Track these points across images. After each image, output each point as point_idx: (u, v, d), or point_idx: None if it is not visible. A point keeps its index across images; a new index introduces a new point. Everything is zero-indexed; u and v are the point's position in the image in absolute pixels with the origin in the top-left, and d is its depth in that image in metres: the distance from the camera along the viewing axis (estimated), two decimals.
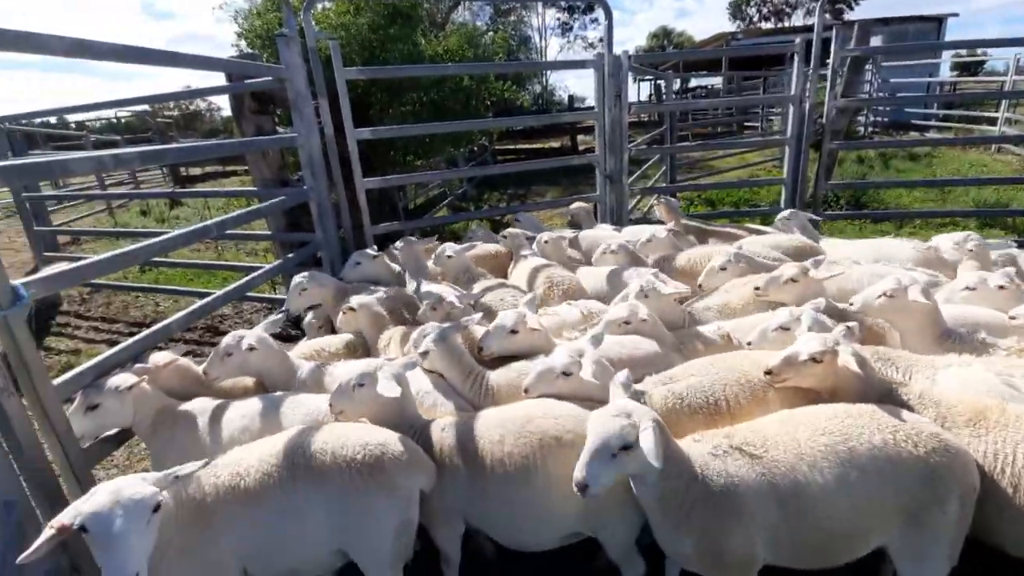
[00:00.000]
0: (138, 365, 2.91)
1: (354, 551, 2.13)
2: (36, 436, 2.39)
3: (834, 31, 6.24)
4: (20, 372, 2.35)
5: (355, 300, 3.46)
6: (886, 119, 18.14)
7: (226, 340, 2.90)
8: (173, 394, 2.92)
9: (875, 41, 15.76)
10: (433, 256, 4.45)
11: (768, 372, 2.36)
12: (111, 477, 3.64)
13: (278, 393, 2.84)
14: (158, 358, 2.97)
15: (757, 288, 3.34)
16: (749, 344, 2.83)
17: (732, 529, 1.91)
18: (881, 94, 16.81)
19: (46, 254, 7.20)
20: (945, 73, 20.65)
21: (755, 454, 1.98)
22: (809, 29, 6.86)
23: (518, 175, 14.80)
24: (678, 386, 2.46)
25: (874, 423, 2.02)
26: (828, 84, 6.50)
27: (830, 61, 6.37)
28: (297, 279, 3.86)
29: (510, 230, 5.11)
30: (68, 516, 1.72)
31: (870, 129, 17.27)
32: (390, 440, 2.18)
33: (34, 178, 3.99)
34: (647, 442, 1.78)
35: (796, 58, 6.43)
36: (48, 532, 1.73)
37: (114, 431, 2.87)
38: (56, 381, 2.52)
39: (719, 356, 2.68)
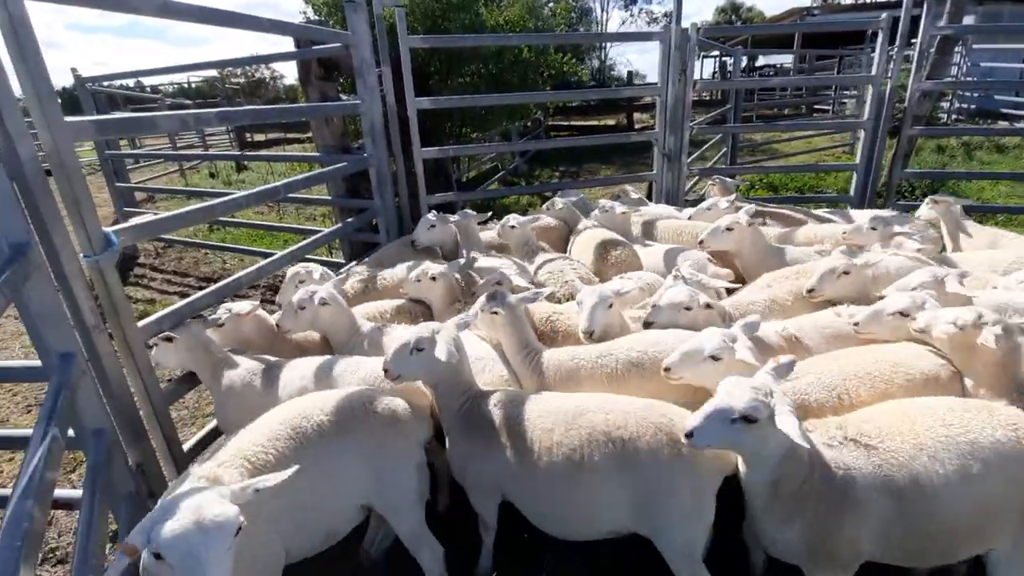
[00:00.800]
0: (222, 308, 3.07)
1: (383, 496, 2.26)
2: (122, 372, 2.60)
3: (924, 7, 5.75)
4: (109, 313, 2.56)
5: (435, 269, 3.41)
6: (973, 106, 16.63)
7: (299, 294, 2.98)
8: (250, 344, 3.08)
9: (967, 21, 14.39)
10: (498, 226, 4.53)
11: (855, 324, 2.48)
12: (182, 417, 3.95)
13: (337, 356, 2.94)
14: (239, 307, 3.12)
15: (811, 290, 3.07)
16: (856, 325, 2.64)
17: (845, 521, 1.86)
18: (969, 78, 15.43)
19: (126, 209, 7.71)
20: None
21: (871, 444, 1.91)
22: (893, 4, 6.34)
23: (571, 152, 14.60)
24: (800, 382, 2.34)
25: (994, 419, 1.91)
26: (914, 65, 6.03)
27: (917, 40, 5.89)
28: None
29: (563, 201, 5.07)
30: (140, 538, 1.50)
31: (954, 116, 15.89)
32: (395, 398, 2.39)
33: (127, 132, 4.26)
34: (787, 424, 1.70)
35: (881, 35, 5.98)
36: (120, 561, 1.49)
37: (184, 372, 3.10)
38: (139, 324, 2.72)
39: (843, 351, 2.56)
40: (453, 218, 4.51)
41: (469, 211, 4.71)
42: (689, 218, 4.85)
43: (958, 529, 1.86)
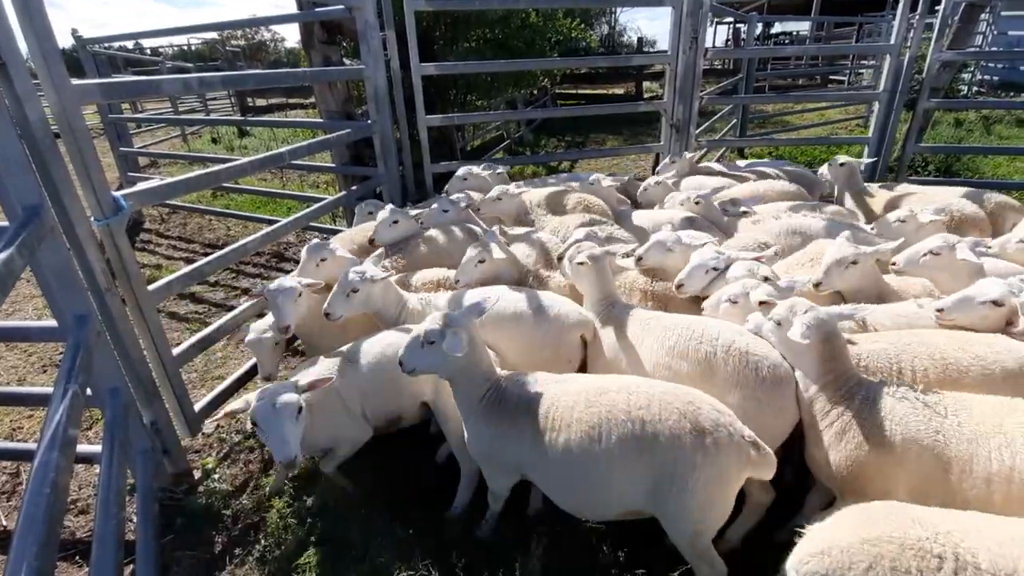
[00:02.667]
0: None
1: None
2: (135, 334, 2.67)
3: None
4: (120, 276, 2.61)
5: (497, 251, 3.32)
6: (996, 78, 16.14)
7: (349, 277, 2.85)
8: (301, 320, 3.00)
9: None
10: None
11: (939, 310, 2.41)
12: (191, 380, 4.05)
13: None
14: (308, 281, 3.02)
15: (818, 284, 2.84)
16: (941, 312, 2.46)
17: (875, 461, 1.97)
18: (994, 48, 14.94)
19: (130, 174, 7.70)
20: None
21: (937, 411, 1.93)
22: None
23: (578, 122, 14.36)
24: (856, 348, 2.28)
25: None
26: (935, 33, 5.84)
27: (940, 7, 5.70)
28: (386, 210, 3.86)
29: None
30: (240, 405, 2.36)
31: (975, 89, 15.43)
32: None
33: (132, 96, 4.22)
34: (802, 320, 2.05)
35: (902, 1, 5.78)
36: (226, 409, 2.43)
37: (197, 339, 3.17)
38: (150, 287, 2.78)
39: (914, 330, 2.44)
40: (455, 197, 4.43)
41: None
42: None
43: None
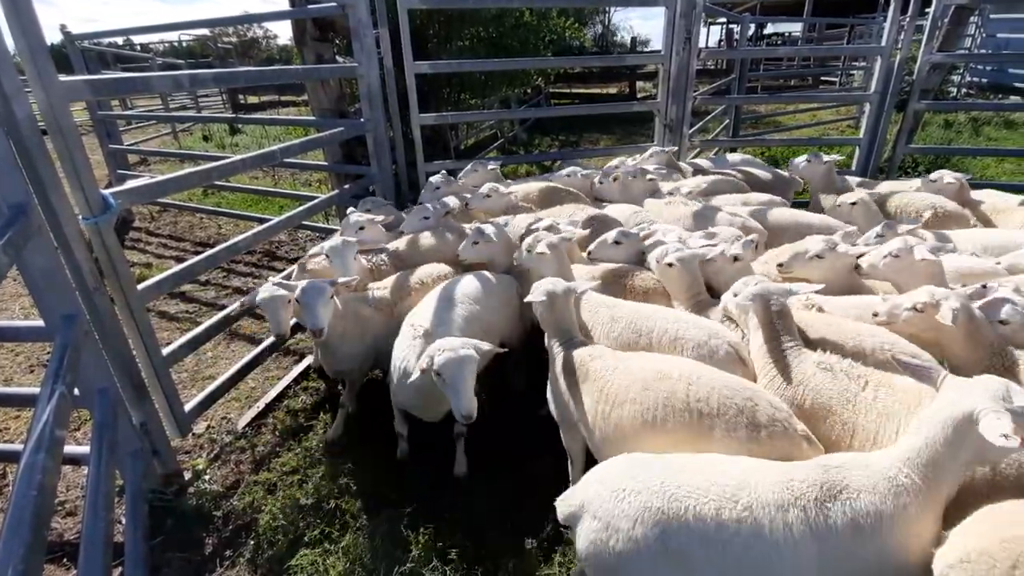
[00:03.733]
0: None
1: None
2: (124, 334, 2.64)
3: None
4: (109, 275, 2.58)
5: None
6: (985, 80, 16.29)
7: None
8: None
9: None
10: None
11: (875, 314, 2.42)
12: (182, 380, 4.02)
13: None
14: (344, 279, 3.09)
15: (780, 265, 3.08)
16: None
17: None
18: (984, 51, 15.08)
19: (119, 172, 7.62)
20: None
21: (856, 383, 2.06)
22: None
23: (571, 121, 14.37)
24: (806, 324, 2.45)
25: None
26: (925, 35, 5.90)
27: (930, 10, 5.76)
28: (352, 218, 3.94)
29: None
30: (426, 361, 2.37)
31: (963, 91, 15.58)
32: None
33: (122, 93, 4.16)
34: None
35: (893, 4, 5.83)
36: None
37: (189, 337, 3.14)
38: (139, 287, 2.75)
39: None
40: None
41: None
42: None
43: None
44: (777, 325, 2.31)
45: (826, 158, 4.85)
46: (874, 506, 1.59)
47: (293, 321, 3.27)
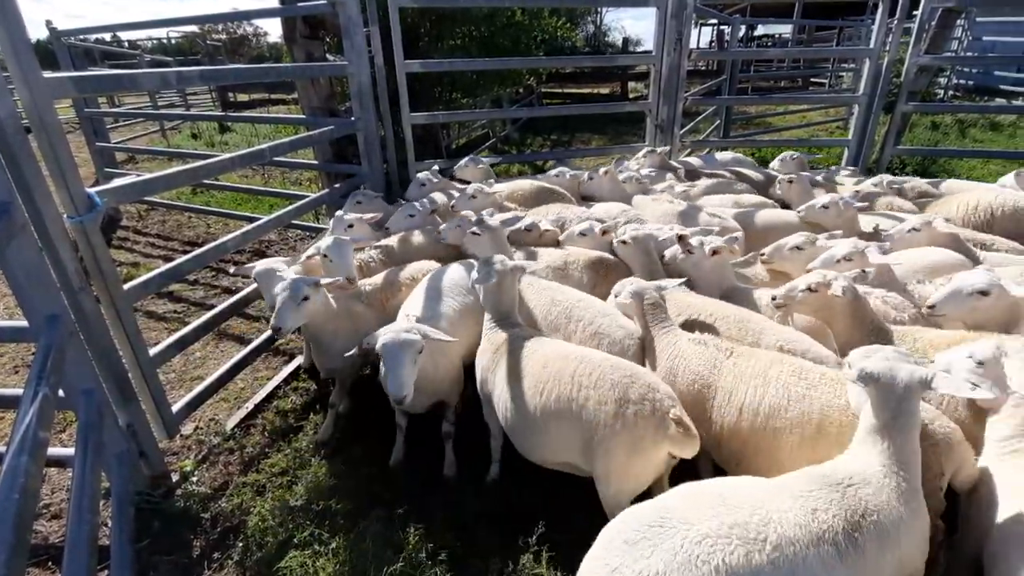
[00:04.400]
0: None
1: None
2: (110, 334, 2.61)
3: None
4: (94, 275, 2.54)
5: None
6: (971, 82, 16.51)
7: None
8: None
9: None
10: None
11: (773, 298, 2.68)
12: (170, 380, 3.98)
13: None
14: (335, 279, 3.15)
15: (762, 254, 3.32)
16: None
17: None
18: (970, 53, 15.29)
19: (107, 170, 7.53)
20: None
21: (722, 353, 2.38)
22: None
23: (563, 121, 14.39)
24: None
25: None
26: (913, 38, 5.97)
27: (918, 12, 5.83)
28: (343, 216, 3.94)
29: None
30: (373, 341, 2.45)
31: (950, 93, 15.78)
32: None
33: (108, 90, 4.11)
34: None
35: (881, 6, 5.90)
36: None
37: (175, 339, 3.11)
38: (125, 286, 2.71)
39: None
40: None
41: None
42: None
43: None
44: (653, 315, 2.61)
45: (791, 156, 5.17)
46: (891, 520, 1.63)
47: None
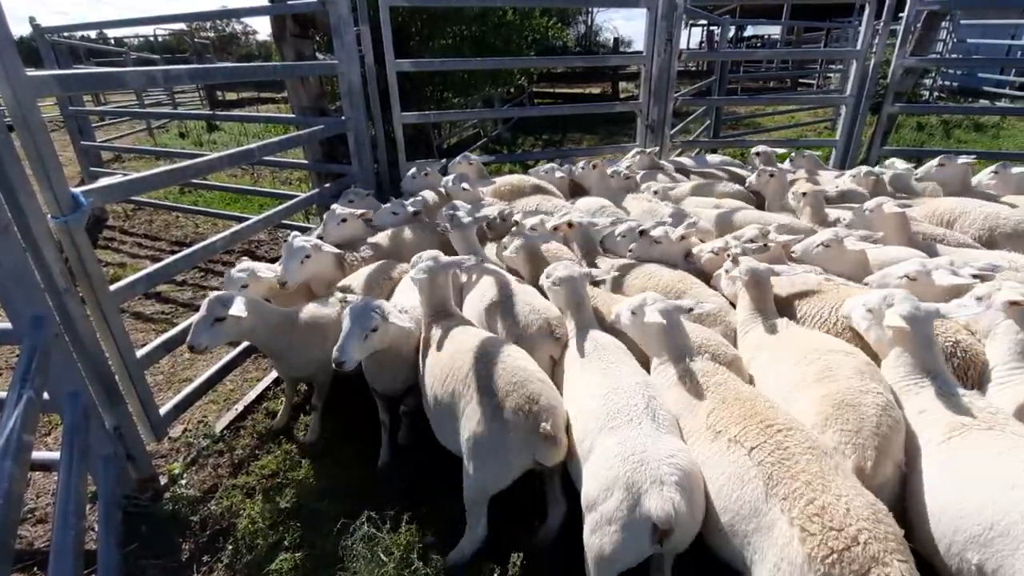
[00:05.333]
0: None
1: None
2: (96, 336, 2.57)
3: None
4: (80, 276, 2.51)
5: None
6: (956, 83, 16.76)
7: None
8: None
9: None
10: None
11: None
12: (158, 382, 3.94)
13: None
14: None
15: (793, 251, 3.35)
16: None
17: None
18: (954, 55, 15.51)
19: (92, 169, 7.43)
20: None
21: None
22: None
23: (555, 121, 14.40)
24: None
25: None
26: (899, 40, 6.04)
27: (904, 14, 5.90)
28: (336, 210, 3.94)
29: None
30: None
31: (935, 94, 16.00)
32: None
33: (93, 89, 4.05)
34: None
35: (868, 8, 5.97)
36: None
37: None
38: (112, 287, 2.68)
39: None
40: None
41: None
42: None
43: None
44: (579, 302, 2.71)
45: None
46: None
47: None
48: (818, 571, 1.39)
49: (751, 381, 2.47)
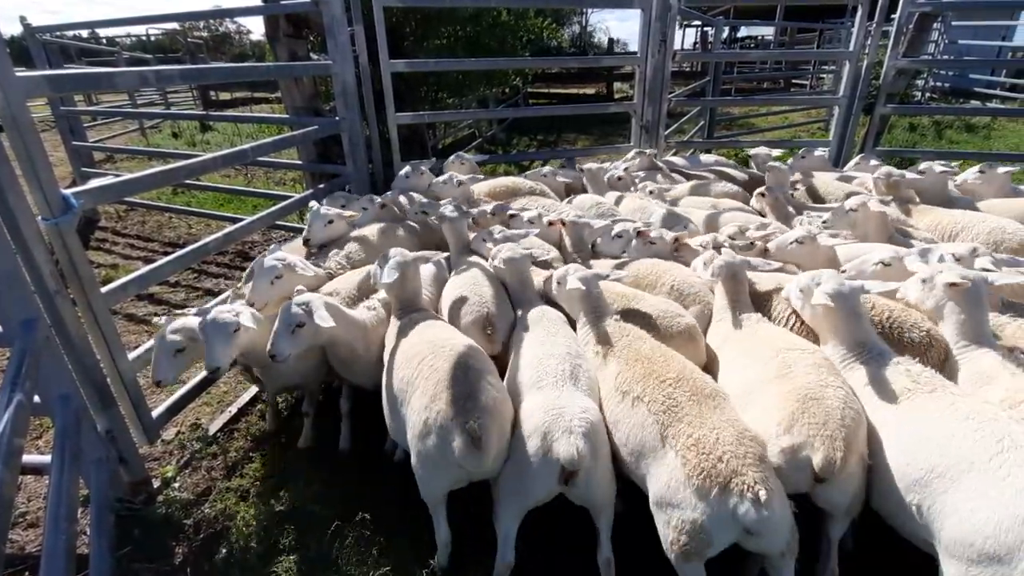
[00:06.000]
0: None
1: None
2: (87, 339, 2.55)
3: None
4: (71, 278, 2.48)
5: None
6: (947, 84, 16.89)
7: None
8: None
9: None
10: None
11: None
12: (149, 384, 3.90)
13: None
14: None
15: (767, 248, 3.43)
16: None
17: None
18: (946, 56, 15.63)
19: (84, 170, 7.36)
20: (1021, 38, 18.78)
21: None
22: None
23: (549, 121, 14.41)
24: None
25: None
26: (891, 40, 6.07)
27: (896, 15, 5.93)
28: (321, 210, 3.81)
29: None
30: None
31: (927, 95, 16.11)
32: None
33: (84, 89, 4.02)
34: None
35: (861, 10, 6.00)
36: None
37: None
38: (103, 289, 2.66)
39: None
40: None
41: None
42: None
43: None
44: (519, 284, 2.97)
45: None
46: None
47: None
48: (694, 484, 1.83)
49: (714, 367, 2.60)
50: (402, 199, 4.38)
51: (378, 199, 4.25)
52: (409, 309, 2.81)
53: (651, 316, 2.70)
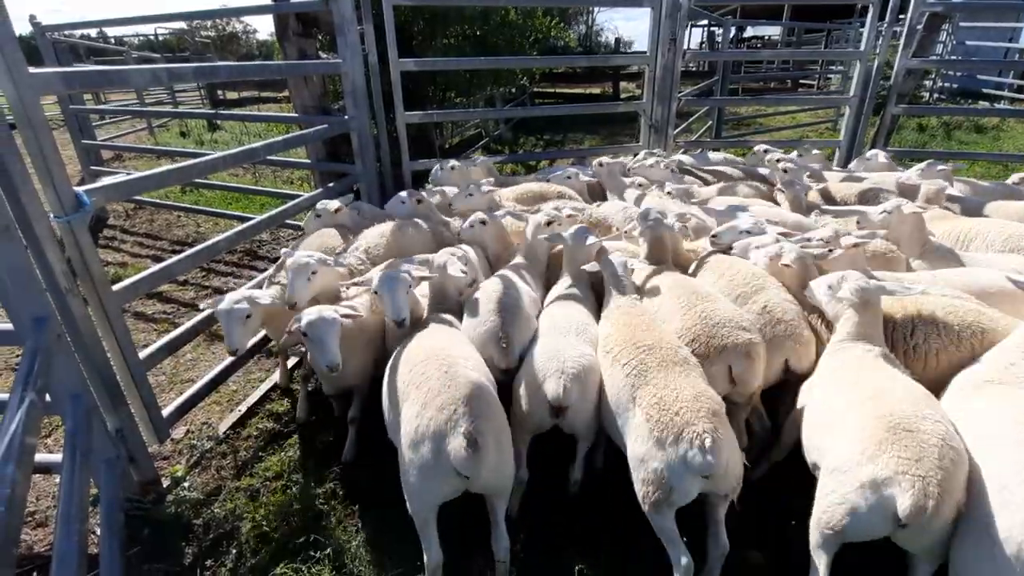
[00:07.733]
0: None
1: None
2: (98, 337, 2.54)
3: None
4: (82, 276, 2.48)
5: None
6: (955, 85, 16.76)
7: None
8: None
9: None
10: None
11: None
12: (160, 383, 3.91)
13: None
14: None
15: (714, 235, 3.43)
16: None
17: None
18: (954, 57, 15.51)
19: (93, 168, 7.39)
20: None
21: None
22: None
23: (556, 121, 14.37)
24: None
25: None
26: (902, 41, 6.02)
27: (906, 16, 5.88)
28: (321, 204, 3.95)
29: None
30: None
31: (935, 96, 16.00)
32: None
33: (96, 87, 4.02)
34: None
35: (872, 10, 5.95)
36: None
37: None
38: (114, 287, 2.65)
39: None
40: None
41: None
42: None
43: None
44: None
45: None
46: None
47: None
48: (655, 436, 2.03)
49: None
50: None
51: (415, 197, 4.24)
52: (440, 310, 2.92)
53: (711, 320, 2.52)
